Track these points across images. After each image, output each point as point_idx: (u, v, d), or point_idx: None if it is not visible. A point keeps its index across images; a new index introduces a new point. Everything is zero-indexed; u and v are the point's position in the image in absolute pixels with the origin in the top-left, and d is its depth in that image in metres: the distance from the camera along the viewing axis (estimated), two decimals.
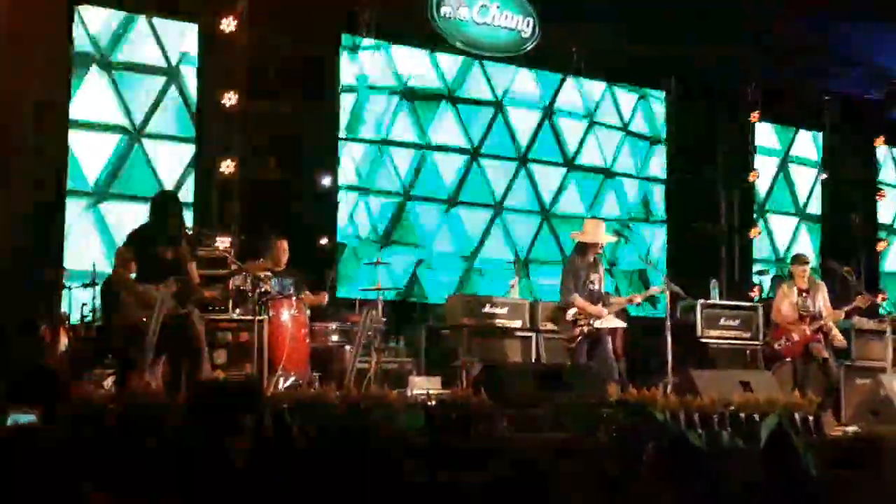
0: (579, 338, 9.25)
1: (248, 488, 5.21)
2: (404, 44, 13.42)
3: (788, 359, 10.30)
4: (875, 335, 11.63)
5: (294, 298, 9.60)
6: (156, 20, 11.99)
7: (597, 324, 9.24)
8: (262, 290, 9.23)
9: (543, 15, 13.51)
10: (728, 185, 14.98)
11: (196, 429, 5.86)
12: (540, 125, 14.43)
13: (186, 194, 11.64)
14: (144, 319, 7.51)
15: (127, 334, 7.69)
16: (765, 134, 15.88)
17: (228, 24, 11.39)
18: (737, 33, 13.68)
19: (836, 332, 10.36)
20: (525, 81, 14.37)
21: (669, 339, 9.56)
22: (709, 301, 11.95)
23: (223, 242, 10.46)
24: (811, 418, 7.93)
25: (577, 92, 14.70)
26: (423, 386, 9.41)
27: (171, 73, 12.10)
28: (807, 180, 16.49)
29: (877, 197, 16.26)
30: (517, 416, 6.98)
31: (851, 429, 9.21)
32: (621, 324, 9.71)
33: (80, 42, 11.52)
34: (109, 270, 9.68)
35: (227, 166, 11.40)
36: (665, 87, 15.03)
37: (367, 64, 13.19)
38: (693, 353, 10.83)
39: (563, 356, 9.63)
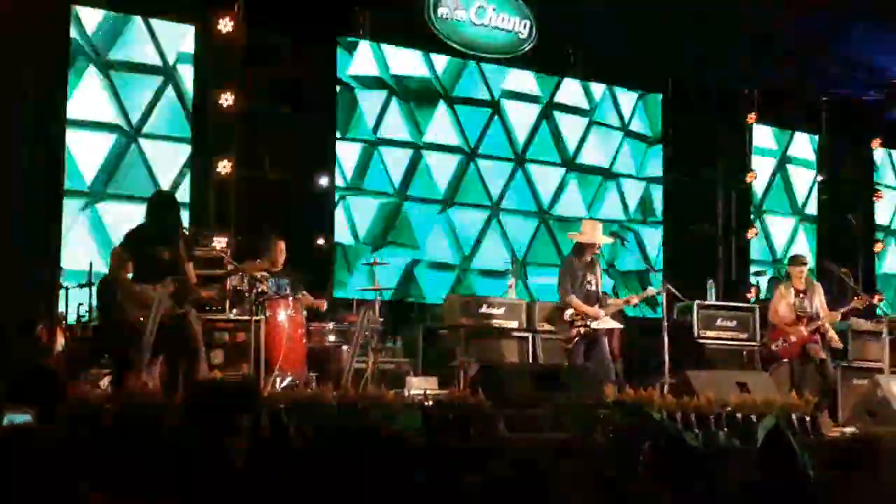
0: (576, 339, 9.24)
1: (245, 488, 5.20)
2: (401, 45, 13.42)
3: (785, 360, 10.30)
4: (872, 336, 11.64)
5: (291, 298, 9.59)
6: (153, 20, 11.98)
7: (593, 325, 9.23)
8: (259, 290, 9.23)
9: (540, 17, 13.52)
10: (725, 187, 15.00)
11: (193, 429, 5.85)
12: (536, 126, 14.43)
13: (183, 194, 11.62)
14: (141, 319, 7.49)
15: (124, 334, 7.66)
16: (762, 135, 15.89)
17: (225, 25, 11.39)
18: (734, 35, 13.69)
19: (832, 333, 10.37)
20: (522, 82, 14.37)
21: (666, 339, 9.56)
22: (705, 302, 11.95)
23: (220, 242, 10.46)
24: (808, 419, 7.94)
25: (573, 93, 14.70)
26: (421, 386, 9.40)
27: (168, 73, 12.09)
28: (804, 182, 16.50)
29: (874, 198, 16.27)
30: (514, 417, 6.97)
31: (848, 430, 9.22)
32: (618, 325, 9.72)
33: (78, 42, 11.51)
34: (106, 270, 9.67)
35: (224, 166, 11.40)
36: (662, 88, 15.03)
37: (363, 64, 13.19)
38: (690, 354, 10.83)
39: (560, 357, 9.63)
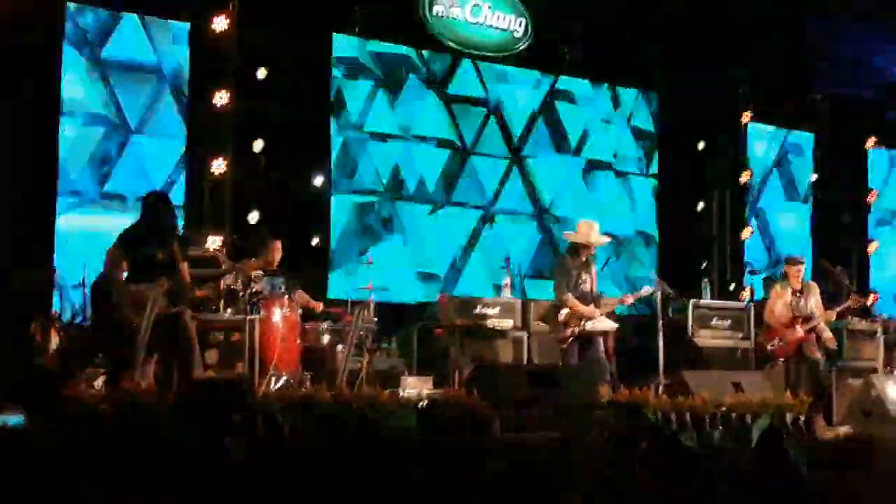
0: (571, 339, 9.23)
1: (241, 486, 5.20)
2: (396, 42, 13.41)
3: (781, 359, 10.30)
4: (867, 336, 11.65)
5: (286, 298, 9.57)
6: (147, 18, 11.96)
7: (588, 325, 9.22)
8: (254, 289, 9.21)
9: (536, 14, 13.52)
10: (721, 186, 15.00)
11: (187, 427, 5.84)
12: (530, 125, 14.43)
13: (178, 193, 11.60)
14: (136, 319, 7.48)
15: (119, 334, 7.65)
16: (758, 134, 15.90)
17: (220, 23, 11.36)
18: (730, 34, 13.71)
19: (827, 333, 10.37)
20: (517, 80, 14.37)
21: (661, 339, 9.55)
22: (700, 301, 11.96)
23: (214, 242, 10.44)
24: (802, 419, 7.94)
25: (568, 92, 14.70)
26: (416, 386, 9.39)
27: (163, 72, 12.07)
28: (799, 180, 16.51)
29: (868, 198, 16.28)
30: (509, 417, 6.97)
31: (843, 429, 9.24)
32: (613, 325, 9.70)
33: (72, 40, 11.48)
34: (100, 270, 9.65)
35: (219, 166, 11.37)
36: (658, 87, 15.03)
37: (358, 62, 13.18)
38: (685, 354, 10.82)
39: (555, 357, 9.62)
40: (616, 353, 10.51)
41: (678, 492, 5.03)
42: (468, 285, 13.50)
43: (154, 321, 7.50)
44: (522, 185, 14.33)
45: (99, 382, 8.55)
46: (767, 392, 8.55)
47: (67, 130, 11.38)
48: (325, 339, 10.17)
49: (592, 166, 14.81)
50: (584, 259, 9.35)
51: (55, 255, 10.85)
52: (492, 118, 14.17)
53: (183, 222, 10.95)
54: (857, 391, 10.39)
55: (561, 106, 14.66)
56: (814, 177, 16.25)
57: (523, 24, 13.67)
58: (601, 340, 9.36)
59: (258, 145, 11.74)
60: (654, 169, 15.24)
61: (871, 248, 16.08)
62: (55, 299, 10.03)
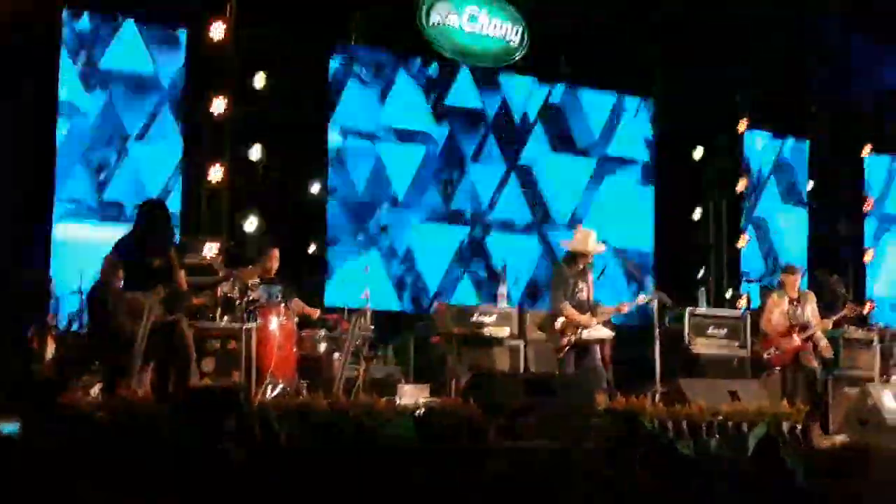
0: (567, 347, 9.23)
1: (238, 494, 5.19)
2: (393, 50, 13.42)
3: (778, 368, 10.30)
4: (863, 345, 11.65)
5: (282, 306, 9.57)
6: (145, 25, 11.96)
7: (584, 333, 9.21)
8: (251, 297, 9.21)
9: (533, 23, 13.54)
10: (717, 193, 15.01)
11: (184, 432, 5.84)
12: (526, 134, 14.44)
13: (174, 201, 11.60)
14: (133, 327, 7.48)
15: (115, 341, 7.65)
16: (754, 142, 15.91)
17: (217, 30, 11.36)
18: (726, 41, 13.73)
19: (824, 342, 10.37)
20: (514, 88, 14.38)
21: (658, 347, 9.55)
22: (697, 310, 11.96)
23: (211, 250, 10.43)
24: (799, 427, 7.95)
25: (565, 100, 14.71)
26: (413, 394, 9.38)
27: (160, 79, 12.07)
28: (795, 189, 16.53)
29: (864, 206, 16.29)
30: (506, 425, 6.97)
31: (839, 438, 9.23)
32: (609, 333, 9.70)
33: (69, 46, 11.48)
34: (97, 278, 9.64)
35: (216, 173, 11.36)
36: (655, 94, 15.05)
37: (356, 70, 13.19)
38: (681, 362, 10.82)
39: (552, 365, 9.61)
40: (613, 361, 10.51)
41: (677, 493, 5.03)
42: (464, 294, 13.49)
43: (150, 329, 7.49)
44: (520, 194, 14.33)
45: (95, 390, 8.55)
46: (764, 400, 8.55)
47: (64, 138, 11.38)
48: (322, 347, 10.17)
49: (589, 174, 14.81)
50: (581, 267, 9.35)
51: (52, 263, 10.84)
52: (489, 126, 14.18)
53: (179, 230, 10.95)
54: (854, 400, 10.38)
55: (558, 114, 14.67)
56: (810, 185, 16.26)
57: (520, 32, 13.69)
58: (598, 349, 9.37)
59: (255, 152, 11.74)
60: (651, 176, 15.24)
61: (868, 256, 16.08)
62: (52, 307, 10.01)
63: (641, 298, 9.79)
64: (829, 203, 15.99)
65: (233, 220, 11.44)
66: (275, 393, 9.00)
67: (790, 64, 14.36)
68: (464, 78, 13.97)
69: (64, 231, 11.34)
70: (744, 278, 14.95)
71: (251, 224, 11.51)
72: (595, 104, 14.91)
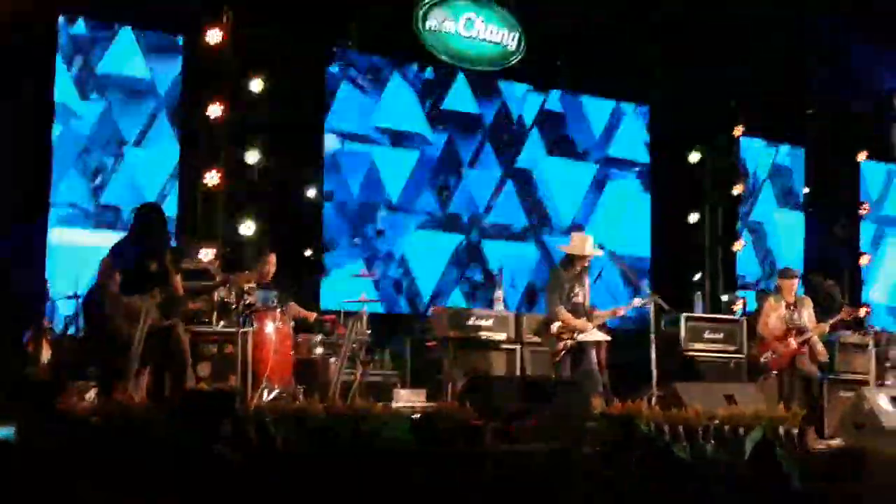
0: (563, 351, 9.23)
1: (232, 498, 5.20)
2: (391, 55, 13.44)
3: (775, 371, 10.31)
4: (859, 349, 11.66)
5: (278, 311, 9.57)
6: (141, 31, 11.97)
7: (580, 337, 9.22)
8: (247, 302, 9.21)
9: (529, 28, 13.56)
10: (714, 198, 15.03)
11: (179, 436, 5.84)
12: (523, 139, 14.46)
13: (171, 206, 11.60)
14: (129, 330, 7.47)
15: (112, 345, 7.64)
16: (749, 147, 15.94)
17: (214, 36, 11.37)
18: (721, 48, 13.76)
19: (820, 346, 10.39)
20: (510, 93, 14.41)
21: (654, 351, 9.56)
22: (693, 314, 11.97)
23: (208, 254, 10.43)
24: (795, 432, 7.95)
25: (562, 105, 14.74)
26: (409, 398, 9.38)
27: (156, 84, 12.08)
28: (790, 193, 16.56)
29: (860, 211, 16.32)
30: (503, 429, 6.97)
31: (835, 442, 9.24)
32: (605, 337, 9.71)
33: (64, 52, 11.49)
34: (93, 282, 9.63)
35: (212, 177, 11.36)
36: (651, 99, 15.08)
37: (353, 75, 13.21)
38: (677, 366, 10.83)
39: (548, 369, 9.62)
40: (609, 365, 10.52)
41: (673, 497, 5.04)
42: (460, 298, 13.50)
43: (147, 333, 7.49)
44: (516, 199, 14.34)
45: (91, 394, 8.55)
46: (760, 404, 8.55)
47: (61, 142, 11.38)
48: (318, 351, 10.17)
49: (585, 179, 14.83)
50: (577, 271, 9.35)
51: (48, 267, 10.84)
52: (485, 131, 14.19)
53: (176, 234, 10.95)
54: (850, 404, 10.39)
55: (554, 119, 14.69)
56: (806, 190, 16.28)
57: (516, 37, 13.71)
58: (593, 353, 9.37)
59: (252, 157, 11.75)
60: (648, 181, 15.26)
61: (863, 261, 16.10)
62: (48, 311, 10.01)
63: (637, 302, 9.80)
64: (825, 207, 16.01)
65: (229, 225, 11.44)
66: (271, 397, 9.00)
67: (788, 66, 14.39)
68: (460, 83, 13.99)
69: (60, 235, 11.35)
70: (740, 282, 14.97)
71: (247, 228, 11.52)
72: (592, 109, 14.94)
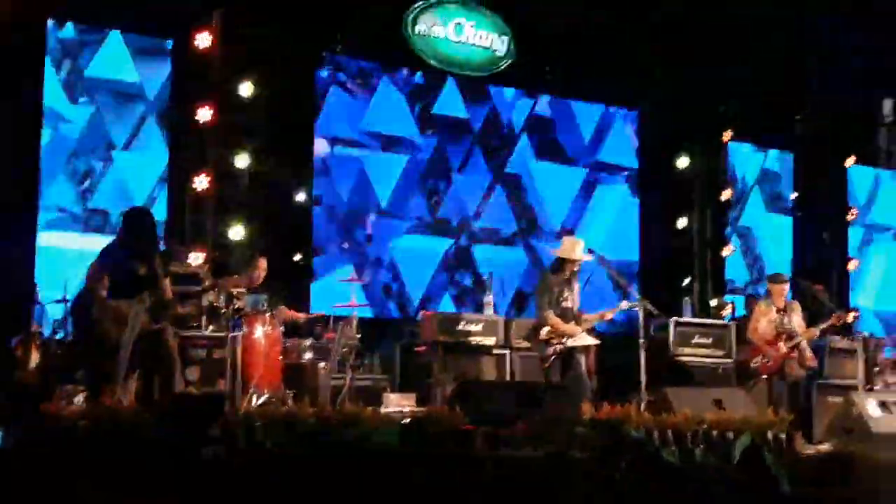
0: (553, 357, 9.23)
1: (220, 500, 5.19)
2: (380, 59, 13.44)
3: (765, 376, 10.32)
4: (847, 353, 11.69)
5: (268, 315, 9.55)
6: (130, 35, 11.95)
7: (569, 342, 9.22)
8: (236, 306, 9.19)
9: (519, 34, 13.59)
10: (702, 204, 15.07)
11: (167, 440, 5.83)
12: (512, 143, 14.47)
13: (160, 210, 11.58)
14: (118, 334, 7.45)
15: (100, 349, 7.62)
16: (738, 152, 15.99)
17: (203, 40, 11.36)
18: (710, 52, 13.80)
19: (809, 351, 10.41)
20: (500, 98, 14.42)
21: (643, 356, 9.57)
22: (681, 319, 11.99)
23: (197, 259, 10.42)
24: (784, 436, 7.95)
25: (550, 110, 14.76)
26: (399, 403, 9.37)
27: (145, 89, 12.06)
28: (778, 198, 16.61)
29: (848, 216, 16.38)
30: (494, 434, 6.96)
31: (824, 447, 9.25)
32: (594, 341, 9.70)
33: (53, 56, 11.47)
34: (82, 286, 9.61)
35: (201, 182, 11.35)
36: (640, 104, 15.11)
37: (342, 79, 13.20)
38: (666, 371, 10.84)
39: (538, 374, 9.61)
40: (598, 370, 10.51)
41: (664, 499, 5.05)
42: (450, 303, 13.50)
43: (136, 337, 7.47)
44: (505, 204, 14.35)
45: (79, 399, 8.52)
46: (749, 409, 8.56)
47: (49, 146, 11.35)
48: (308, 356, 10.16)
49: (574, 184, 14.84)
50: (567, 275, 9.35)
51: (36, 271, 10.81)
52: (475, 136, 14.20)
53: (165, 238, 10.93)
54: (838, 409, 10.40)
55: (543, 124, 14.71)
56: (794, 195, 16.33)
57: (506, 42, 13.75)
58: (582, 357, 9.37)
59: (241, 161, 11.74)
60: (635, 186, 15.29)
61: (852, 266, 16.15)
62: (36, 315, 9.98)
63: (624, 305, 9.78)
64: (813, 212, 16.06)
65: (218, 229, 11.43)
66: (260, 402, 8.98)
67: (776, 70, 14.43)
68: (450, 88, 14.00)
69: (49, 239, 11.32)
70: (728, 287, 15.00)
71: (236, 233, 11.51)
72: (581, 114, 14.96)
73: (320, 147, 12.99)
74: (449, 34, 13.38)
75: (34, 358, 9.40)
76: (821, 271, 14.75)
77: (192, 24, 11.42)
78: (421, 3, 13.27)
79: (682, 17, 13.49)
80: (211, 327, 9.46)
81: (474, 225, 14.12)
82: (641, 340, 9.62)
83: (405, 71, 13.71)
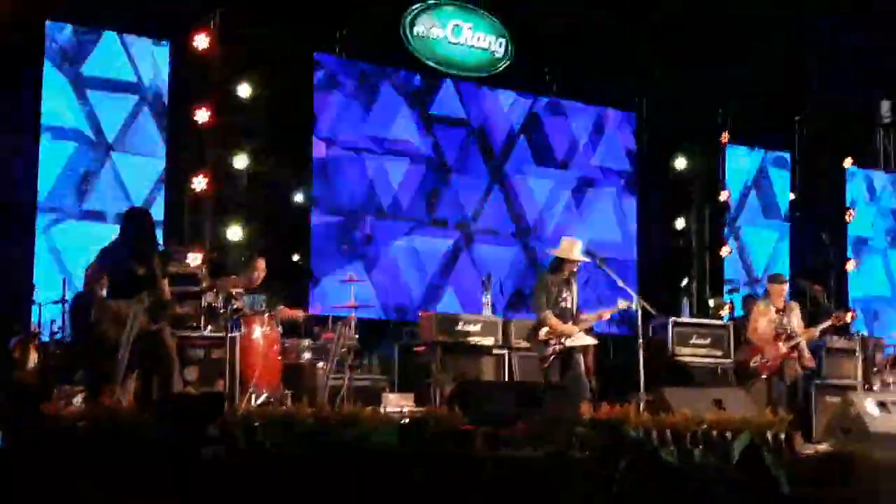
0: (552, 357, 9.23)
1: (218, 500, 5.19)
2: (378, 61, 13.43)
3: (763, 376, 10.33)
4: (845, 353, 11.70)
5: (266, 315, 9.55)
6: (128, 36, 11.94)
7: (568, 342, 9.22)
8: (234, 306, 9.19)
9: (517, 35, 13.60)
10: (700, 204, 15.08)
11: (166, 440, 5.83)
12: (510, 145, 14.46)
13: (158, 211, 11.57)
14: (116, 334, 7.45)
15: (99, 349, 7.62)
16: (736, 153, 15.99)
17: (201, 41, 11.36)
18: (709, 52, 13.81)
19: (807, 351, 10.42)
20: (497, 100, 14.41)
21: (642, 356, 9.57)
22: (680, 319, 11.99)
23: (195, 259, 10.42)
24: (783, 436, 7.96)
25: (549, 111, 14.74)
26: (397, 403, 9.37)
27: (143, 89, 12.05)
28: (777, 199, 16.60)
29: (846, 217, 16.38)
30: (493, 434, 6.96)
31: (822, 447, 9.26)
32: (592, 341, 9.71)
33: (52, 57, 11.46)
34: (80, 287, 9.61)
35: (199, 182, 11.35)
36: (637, 107, 15.11)
37: (340, 80, 13.20)
38: (665, 371, 10.85)
39: (537, 374, 9.62)
40: (597, 369, 10.52)
41: (664, 498, 5.05)
42: (448, 304, 13.49)
43: (134, 337, 7.47)
44: (503, 204, 14.35)
45: (77, 399, 8.52)
46: (748, 409, 8.57)
47: (48, 147, 11.35)
48: (306, 356, 10.16)
49: (572, 185, 14.84)
50: (566, 275, 9.36)
51: (35, 271, 10.80)
52: (473, 137, 14.19)
53: (163, 239, 10.93)
54: (837, 408, 10.42)
55: (541, 125, 14.70)
56: (792, 196, 16.33)
57: (503, 44, 13.76)
58: (581, 357, 9.37)
59: (239, 162, 11.75)
60: (633, 187, 15.28)
61: (850, 266, 16.16)
62: (35, 315, 9.97)
63: (622, 304, 9.78)
64: (812, 213, 16.07)
65: (216, 230, 11.43)
66: (259, 402, 8.98)
67: (776, 70, 14.44)
68: (448, 89, 13.99)
69: (47, 240, 11.30)
70: (727, 288, 15.00)
71: (234, 233, 11.52)
72: (579, 115, 14.95)
73: (318, 148, 12.97)
74: (447, 36, 13.39)
75: (33, 358, 9.39)
76: (818, 271, 14.76)
77: (191, 24, 11.42)
78: (419, 4, 13.29)
79: (682, 17, 13.51)
80: (209, 327, 9.46)
81: (473, 225, 14.11)
82: (640, 341, 9.63)
83: (403, 72, 13.70)
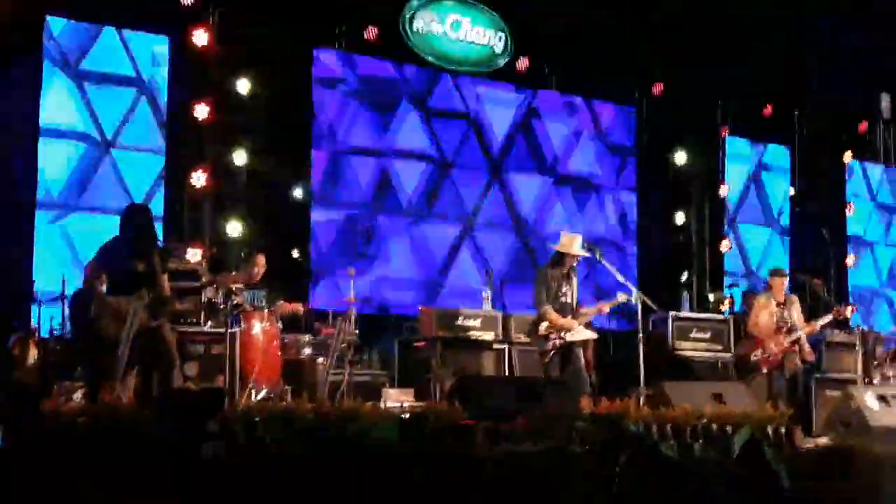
0: (552, 351, 9.24)
1: (218, 496, 5.19)
2: (377, 56, 13.43)
3: (764, 370, 10.34)
4: (845, 347, 11.71)
5: (266, 311, 9.56)
6: (127, 32, 11.93)
7: (568, 337, 9.24)
8: (234, 302, 9.20)
9: (516, 30, 13.59)
10: (699, 199, 15.08)
11: (166, 436, 5.83)
12: (510, 140, 14.46)
13: (157, 206, 11.57)
14: (116, 331, 7.45)
15: (99, 345, 7.62)
16: (736, 147, 15.99)
17: (200, 37, 11.36)
18: (709, 52, 13.80)
19: (807, 345, 10.42)
20: (497, 95, 14.40)
21: (642, 350, 9.58)
22: (680, 313, 11.99)
23: (195, 255, 10.42)
24: (783, 430, 7.96)
25: (547, 107, 14.74)
26: (397, 398, 9.38)
27: (142, 85, 12.05)
28: (777, 194, 16.61)
29: (845, 211, 16.39)
30: (494, 429, 6.96)
31: (822, 440, 9.26)
32: (592, 335, 9.72)
33: (51, 53, 11.45)
34: (79, 283, 9.61)
35: (199, 178, 11.35)
36: (636, 101, 15.11)
37: (340, 76, 13.19)
38: (665, 365, 10.86)
39: (537, 369, 9.63)
40: (597, 364, 10.53)
41: (664, 493, 5.05)
42: (449, 298, 13.48)
43: (134, 333, 7.47)
44: (503, 200, 14.34)
45: (77, 396, 8.52)
46: (749, 403, 8.57)
47: (46, 143, 11.34)
48: (306, 351, 10.17)
49: (571, 181, 14.84)
50: (565, 270, 9.37)
51: (34, 268, 10.79)
52: (472, 133, 14.19)
53: (163, 235, 10.92)
54: (837, 402, 10.42)
55: (540, 121, 14.69)
56: (792, 190, 16.33)
57: (503, 39, 13.74)
58: (581, 352, 9.38)
59: (239, 158, 11.74)
60: (633, 183, 15.29)
61: (849, 260, 16.16)
62: (34, 312, 9.97)
63: (621, 297, 9.78)
64: (810, 208, 16.07)
65: (216, 226, 11.43)
66: (259, 398, 8.99)
67: (776, 69, 14.45)
68: (447, 84, 13.98)
69: (46, 236, 11.30)
70: (727, 283, 15.01)
71: (234, 229, 11.51)
72: (579, 111, 14.94)
73: (318, 144, 12.96)
74: (446, 31, 13.38)
75: (32, 355, 9.40)
76: (818, 265, 14.75)
77: (190, 21, 11.41)
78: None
79: (682, 17, 13.50)
80: (209, 323, 9.47)
81: (473, 220, 14.10)
82: (640, 335, 9.63)
83: (403, 66, 13.69)
